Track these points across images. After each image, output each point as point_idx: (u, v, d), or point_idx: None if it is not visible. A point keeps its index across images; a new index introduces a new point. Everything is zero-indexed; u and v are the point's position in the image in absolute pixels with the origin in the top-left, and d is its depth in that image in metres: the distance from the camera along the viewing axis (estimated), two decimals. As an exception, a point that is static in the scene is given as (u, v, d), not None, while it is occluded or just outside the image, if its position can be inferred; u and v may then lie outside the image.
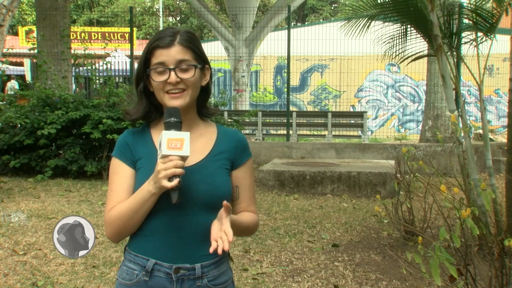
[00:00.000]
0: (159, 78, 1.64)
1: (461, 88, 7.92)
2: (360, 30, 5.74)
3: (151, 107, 1.72)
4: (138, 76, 1.71)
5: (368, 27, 5.68)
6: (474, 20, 5.09)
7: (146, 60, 1.67)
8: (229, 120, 10.07)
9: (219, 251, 1.49)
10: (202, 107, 1.77)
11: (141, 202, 1.60)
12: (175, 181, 1.53)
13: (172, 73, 1.62)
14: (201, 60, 1.69)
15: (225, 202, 1.54)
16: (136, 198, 1.61)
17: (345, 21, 5.96)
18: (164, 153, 1.53)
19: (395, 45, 5.62)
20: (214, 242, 1.51)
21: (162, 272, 1.64)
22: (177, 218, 1.64)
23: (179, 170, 1.53)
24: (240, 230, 1.69)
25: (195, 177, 1.64)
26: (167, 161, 1.53)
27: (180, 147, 1.53)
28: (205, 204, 1.64)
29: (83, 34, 21.51)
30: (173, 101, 1.64)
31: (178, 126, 1.59)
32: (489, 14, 5.07)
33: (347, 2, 28.25)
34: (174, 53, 1.63)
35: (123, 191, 1.66)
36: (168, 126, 1.58)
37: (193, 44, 1.67)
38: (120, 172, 1.69)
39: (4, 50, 8.49)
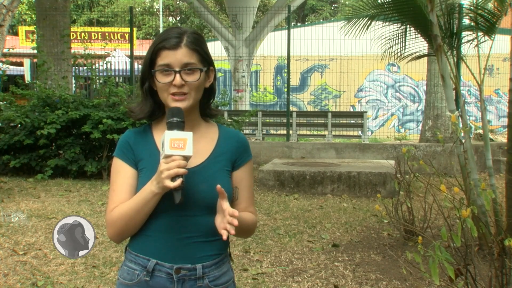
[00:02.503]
0: (164, 80, 1.64)
1: (461, 88, 7.92)
2: (360, 30, 5.74)
3: (155, 106, 1.73)
4: (143, 75, 1.70)
5: (368, 27, 5.68)
6: (475, 19, 5.10)
7: (151, 60, 1.67)
8: (229, 120, 10.07)
9: (232, 232, 1.51)
10: (205, 108, 1.77)
11: (144, 203, 1.59)
12: (178, 181, 1.52)
13: (177, 75, 1.62)
14: (206, 62, 1.69)
15: (218, 186, 1.55)
16: (139, 198, 1.60)
17: (345, 22, 5.96)
18: (167, 153, 1.52)
19: (395, 45, 5.62)
20: (223, 231, 1.53)
21: (163, 272, 1.64)
22: (178, 219, 1.64)
23: (182, 170, 1.52)
24: (241, 228, 1.69)
25: (196, 179, 1.64)
26: (170, 161, 1.52)
27: (183, 147, 1.53)
28: (207, 205, 1.64)
29: (83, 34, 21.51)
30: (176, 104, 1.63)
31: (180, 126, 1.58)
32: (490, 14, 5.07)
33: (347, 2, 28.27)
34: (180, 55, 1.63)
35: (125, 191, 1.66)
36: (171, 126, 1.58)
37: (199, 47, 1.66)
38: (121, 172, 1.69)
39: (5, 50, 8.49)
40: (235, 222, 1.52)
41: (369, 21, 5.62)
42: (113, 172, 1.72)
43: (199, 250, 1.66)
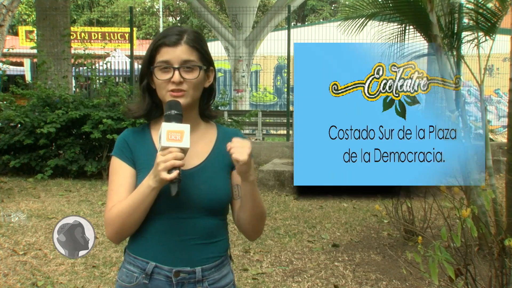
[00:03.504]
0: (162, 76, 1.63)
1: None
2: (358, 29, 5.74)
3: (153, 104, 1.71)
4: (142, 72, 1.69)
5: (365, 26, 5.67)
6: (476, 19, 5.09)
7: (151, 57, 1.66)
8: (229, 120, 10.07)
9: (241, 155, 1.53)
10: (205, 109, 1.75)
11: (142, 198, 1.57)
12: (175, 173, 1.50)
13: (176, 72, 1.61)
14: (206, 61, 1.68)
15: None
16: (136, 194, 1.59)
17: (344, 20, 5.95)
18: (164, 145, 1.51)
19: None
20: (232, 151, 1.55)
21: (162, 275, 1.63)
22: (177, 221, 1.62)
23: (178, 162, 1.51)
24: (258, 202, 1.66)
25: (195, 181, 1.63)
26: (166, 153, 1.51)
27: (180, 139, 1.52)
28: (205, 207, 1.63)
29: (83, 34, 21.51)
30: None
31: (178, 119, 1.57)
32: (491, 14, 5.07)
33: (347, 2, 28.25)
34: (179, 52, 1.62)
35: (123, 191, 1.64)
36: (169, 119, 1.57)
37: (199, 45, 1.65)
38: (120, 171, 1.67)
39: (5, 50, 8.49)
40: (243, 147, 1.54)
41: (368, 20, 5.62)
42: (111, 171, 1.70)
43: (198, 252, 1.64)
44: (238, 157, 1.53)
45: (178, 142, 1.52)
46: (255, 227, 1.73)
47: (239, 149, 1.54)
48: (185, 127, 1.54)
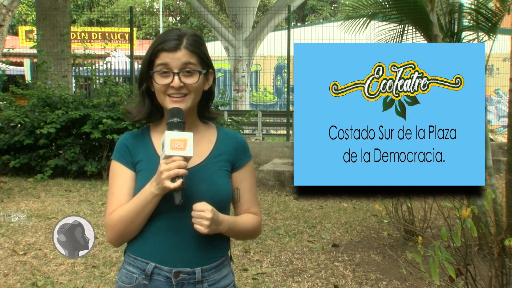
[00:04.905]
0: (162, 81, 1.62)
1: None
2: (359, 29, 5.74)
3: (153, 107, 1.71)
4: (141, 77, 1.69)
5: (367, 25, 5.68)
6: (476, 19, 5.09)
7: (150, 61, 1.64)
8: (229, 120, 10.07)
9: (201, 228, 1.57)
10: (204, 110, 1.75)
11: (143, 204, 1.58)
12: (178, 182, 1.51)
13: (176, 77, 1.60)
14: (206, 64, 1.67)
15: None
16: (138, 200, 1.59)
17: (345, 20, 5.96)
18: (167, 154, 1.51)
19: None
20: (196, 227, 1.59)
21: (162, 276, 1.63)
22: (177, 221, 1.62)
23: (182, 171, 1.51)
24: (239, 232, 1.71)
25: (195, 179, 1.63)
26: (170, 161, 1.51)
27: (183, 147, 1.52)
28: None
29: (83, 34, 21.52)
30: (174, 105, 1.62)
31: (181, 127, 1.57)
32: (491, 14, 5.07)
33: (347, 2, 28.24)
34: (179, 57, 1.61)
35: (123, 194, 1.65)
36: (171, 127, 1.56)
37: (198, 49, 1.64)
38: (120, 175, 1.67)
39: (5, 50, 8.49)
40: (206, 214, 1.56)
41: (369, 20, 5.62)
42: (111, 175, 1.70)
43: (198, 253, 1.64)
44: (199, 230, 1.57)
45: (181, 150, 1.52)
46: (250, 238, 1.88)
47: (199, 220, 1.57)
48: (189, 136, 1.54)
